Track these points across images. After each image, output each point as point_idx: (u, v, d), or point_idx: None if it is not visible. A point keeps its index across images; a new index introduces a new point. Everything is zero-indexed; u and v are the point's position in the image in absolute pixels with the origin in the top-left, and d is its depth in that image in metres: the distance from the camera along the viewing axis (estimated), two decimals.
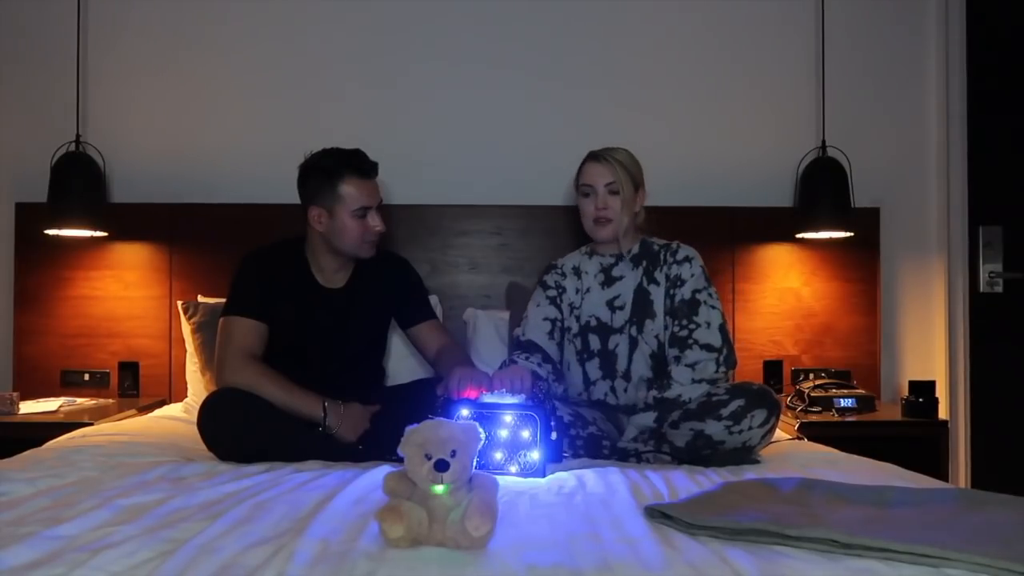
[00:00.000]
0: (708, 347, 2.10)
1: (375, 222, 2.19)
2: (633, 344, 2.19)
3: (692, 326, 2.12)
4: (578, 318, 2.26)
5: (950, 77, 3.01)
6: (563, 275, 2.32)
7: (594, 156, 2.22)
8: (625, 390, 2.19)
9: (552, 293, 2.30)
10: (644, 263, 2.23)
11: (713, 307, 2.14)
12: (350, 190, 2.15)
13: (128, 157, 2.99)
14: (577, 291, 2.29)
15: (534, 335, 2.24)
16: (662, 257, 2.22)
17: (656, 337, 2.18)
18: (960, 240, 3.00)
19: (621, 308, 2.22)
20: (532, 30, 3.04)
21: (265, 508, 1.45)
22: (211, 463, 1.90)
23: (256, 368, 2.10)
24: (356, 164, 2.16)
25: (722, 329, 2.13)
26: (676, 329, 2.14)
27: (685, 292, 2.16)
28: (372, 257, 2.28)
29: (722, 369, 2.09)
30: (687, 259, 2.20)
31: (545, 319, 2.26)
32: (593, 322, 2.24)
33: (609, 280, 2.25)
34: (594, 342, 2.23)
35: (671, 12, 3.05)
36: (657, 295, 2.20)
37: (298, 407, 2.07)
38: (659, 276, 2.21)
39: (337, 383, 2.17)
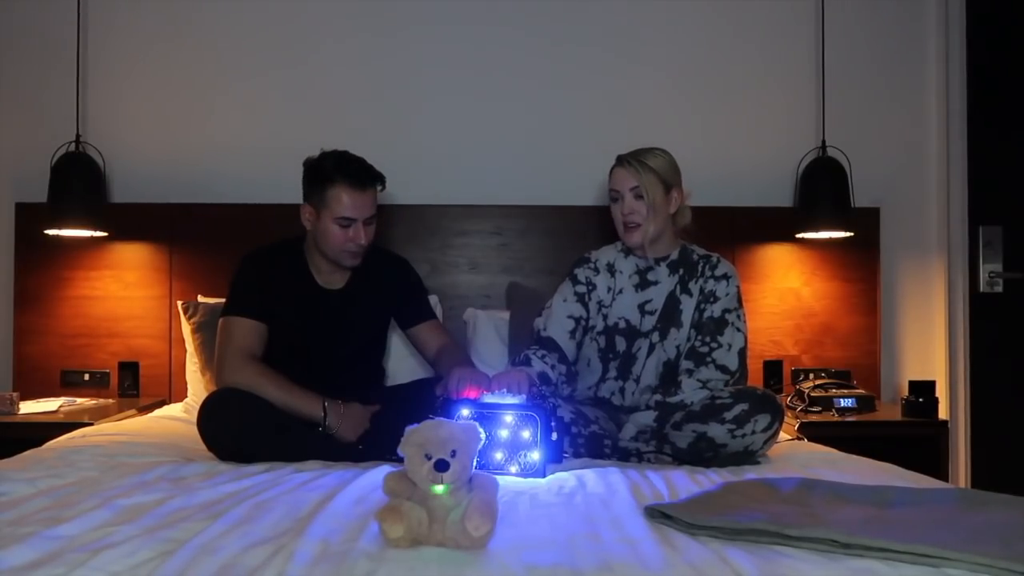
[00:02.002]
0: (724, 369, 2.09)
1: (357, 235, 2.17)
2: (651, 349, 2.18)
3: (715, 344, 2.11)
4: (605, 317, 2.22)
5: (950, 77, 3.01)
6: (596, 271, 2.26)
7: (619, 161, 2.19)
8: (633, 393, 2.19)
9: (581, 289, 2.24)
10: (681, 271, 2.21)
11: (739, 330, 2.14)
12: (338, 197, 2.13)
13: (128, 157, 2.99)
14: (609, 290, 2.24)
15: (555, 332, 2.20)
16: (700, 269, 2.20)
17: (677, 347, 2.16)
18: (960, 240, 3.00)
19: (652, 313, 2.20)
20: (532, 32, 3.04)
21: (265, 508, 1.45)
22: (211, 463, 1.89)
23: (256, 368, 2.10)
24: (351, 173, 2.14)
25: (741, 353, 2.12)
26: (697, 344, 2.13)
27: (715, 310, 2.14)
28: (371, 258, 2.28)
29: (728, 388, 2.07)
30: (725, 276, 2.18)
31: (569, 316, 2.22)
32: (622, 324, 2.20)
33: (644, 283, 2.22)
34: (620, 344, 2.20)
35: (671, 13, 3.05)
36: (687, 305, 2.18)
37: (298, 407, 2.07)
38: (693, 287, 2.18)
39: (337, 383, 2.17)
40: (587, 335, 2.24)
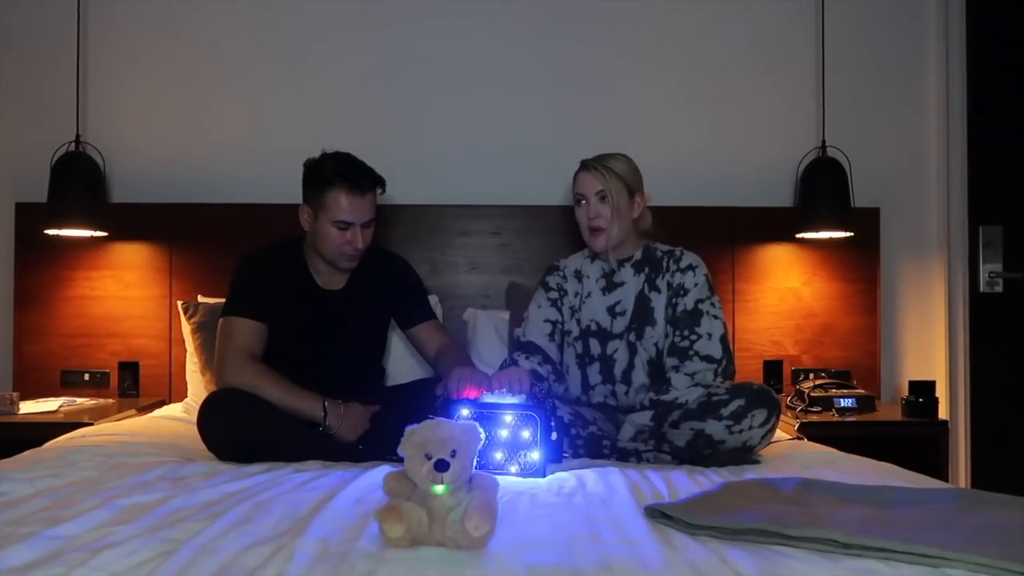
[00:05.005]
0: (708, 358, 2.09)
1: (355, 238, 2.16)
2: (632, 350, 2.18)
3: (694, 337, 2.11)
4: (579, 321, 2.25)
5: (950, 77, 3.01)
6: (564, 277, 2.30)
7: (584, 165, 2.20)
8: (626, 393, 2.19)
9: (554, 295, 2.28)
10: (646, 270, 2.22)
11: (715, 317, 2.13)
12: (335, 200, 2.13)
13: (128, 157, 2.99)
14: (577, 294, 2.27)
15: (534, 336, 2.23)
16: (665, 264, 2.21)
17: (655, 344, 2.17)
18: (960, 240, 3.00)
19: (622, 314, 2.21)
20: (532, 31, 3.04)
21: (265, 508, 1.45)
22: (211, 463, 1.89)
23: (256, 368, 2.10)
24: (349, 176, 2.13)
25: (723, 340, 2.12)
26: (677, 339, 2.12)
27: (688, 302, 2.15)
28: (371, 258, 2.28)
29: (719, 379, 2.08)
30: (691, 267, 2.18)
31: (546, 320, 2.25)
32: (593, 327, 2.22)
33: (611, 286, 2.24)
34: (594, 347, 2.22)
35: (671, 12, 3.05)
36: (658, 303, 2.18)
37: (298, 407, 2.07)
38: (661, 284, 2.19)
39: (337, 383, 2.17)
40: (565, 340, 2.25)
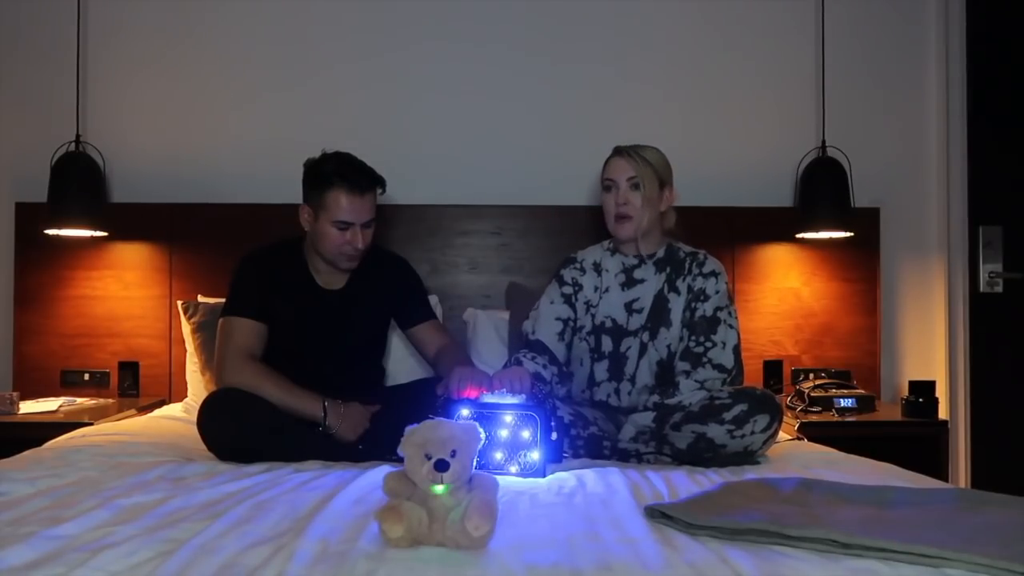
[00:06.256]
0: (720, 367, 2.09)
1: (355, 238, 2.16)
2: (643, 349, 2.17)
3: (709, 344, 2.10)
4: (593, 316, 2.23)
5: (950, 77, 3.01)
6: (582, 271, 2.27)
7: (617, 151, 2.20)
8: (629, 393, 2.18)
9: (568, 290, 2.25)
10: (668, 269, 2.20)
11: (731, 327, 2.13)
12: (335, 200, 2.13)
13: (128, 157, 2.99)
14: (596, 289, 2.24)
15: (543, 335, 2.21)
16: (687, 266, 2.19)
17: (668, 346, 2.15)
18: (960, 240, 3.00)
19: (639, 312, 2.19)
20: (533, 31, 3.04)
21: (265, 508, 1.45)
22: (211, 463, 1.89)
23: (256, 368, 2.10)
24: (349, 176, 2.13)
25: (736, 350, 2.11)
26: (692, 344, 2.12)
27: (707, 309, 2.13)
28: (371, 258, 2.28)
29: (727, 388, 2.07)
30: (714, 273, 2.17)
31: (557, 318, 2.23)
32: (608, 323, 2.20)
33: (630, 281, 2.22)
34: (606, 343, 2.20)
35: (671, 12, 3.05)
36: (676, 304, 2.17)
37: (298, 407, 2.07)
38: (681, 285, 2.18)
39: (336, 383, 2.17)
40: (576, 335, 2.24)
